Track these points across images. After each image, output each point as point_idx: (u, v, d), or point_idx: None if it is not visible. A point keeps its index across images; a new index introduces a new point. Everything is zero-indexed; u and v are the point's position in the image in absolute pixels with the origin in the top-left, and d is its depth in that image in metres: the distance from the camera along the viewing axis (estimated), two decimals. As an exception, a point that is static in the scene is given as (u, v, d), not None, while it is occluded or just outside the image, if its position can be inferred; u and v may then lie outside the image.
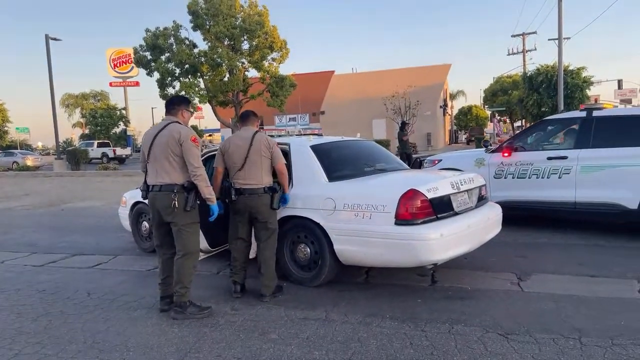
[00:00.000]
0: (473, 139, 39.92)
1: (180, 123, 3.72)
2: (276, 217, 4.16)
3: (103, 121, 40.66)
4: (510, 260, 4.92)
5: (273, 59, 26.54)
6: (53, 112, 25.96)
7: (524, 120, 35.20)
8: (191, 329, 3.44)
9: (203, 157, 4.68)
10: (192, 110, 3.89)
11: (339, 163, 4.71)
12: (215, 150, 4.91)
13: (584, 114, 6.08)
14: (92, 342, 3.27)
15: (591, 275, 4.31)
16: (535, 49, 43.29)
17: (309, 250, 4.27)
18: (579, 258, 4.92)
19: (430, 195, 3.81)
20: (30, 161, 29.66)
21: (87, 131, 44.73)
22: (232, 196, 3.97)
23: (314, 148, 4.59)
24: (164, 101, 3.80)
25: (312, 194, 4.26)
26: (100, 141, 36.21)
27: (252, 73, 27.45)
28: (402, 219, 3.73)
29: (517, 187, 6.25)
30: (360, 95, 38.64)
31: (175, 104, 3.78)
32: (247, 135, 4.06)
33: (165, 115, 3.81)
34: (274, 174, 4.14)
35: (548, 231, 6.15)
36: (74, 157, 25.82)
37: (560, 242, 5.66)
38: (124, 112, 43.27)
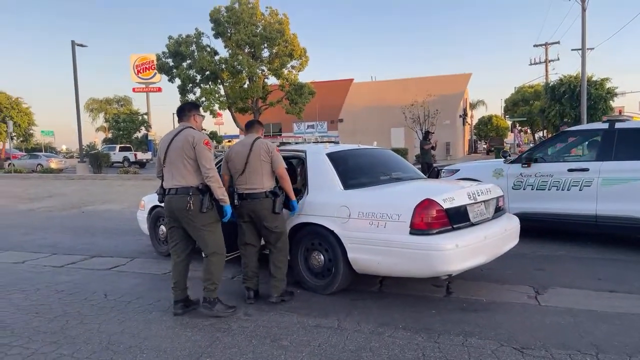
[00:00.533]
0: (492, 149, 39.42)
1: (193, 128, 3.84)
2: (282, 221, 4.17)
3: (125, 126, 41.40)
4: (527, 273, 4.83)
5: (293, 67, 26.76)
6: (77, 116, 26.56)
7: (545, 131, 34.68)
8: (204, 333, 3.47)
9: (217, 165, 4.74)
10: (203, 115, 4.04)
11: (354, 171, 4.71)
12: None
13: (606, 125, 5.97)
14: (107, 344, 3.32)
15: (610, 290, 4.21)
16: (558, 59, 42.68)
17: (322, 257, 4.27)
18: (598, 272, 4.81)
19: (446, 205, 3.78)
20: (54, 164, 30.34)
21: (110, 135, 45.60)
22: (235, 201, 4.05)
23: (330, 155, 4.60)
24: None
25: (327, 201, 4.27)
26: (122, 145, 36.87)
27: (272, 80, 27.70)
28: (417, 229, 3.70)
29: (537, 198, 6.15)
30: (379, 103, 38.60)
31: (186, 111, 3.91)
32: (248, 141, 4.17)
33: (179, 122, 3.95)
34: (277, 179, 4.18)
35: (567, 244, 6.04)
36: (96, 161, 26.36)
37: (579, 255, 5.55)
38: (145, 117, 43.98)
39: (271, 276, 4.10)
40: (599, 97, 25.38)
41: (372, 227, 3.90)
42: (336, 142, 5.65)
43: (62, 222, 9.39)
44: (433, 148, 13.23)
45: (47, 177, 24.79)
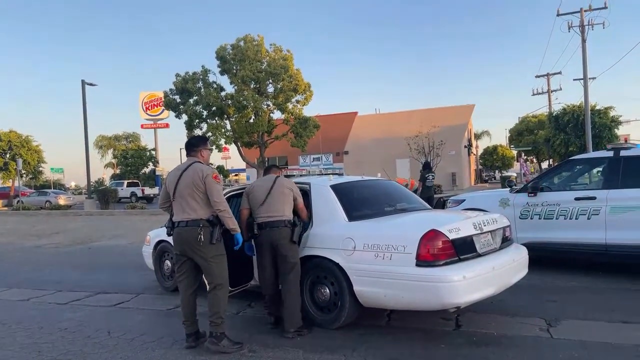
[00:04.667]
0: (488, 179, 39.24)
1: (201, 162, 3.90)
2: (297, 251, 4.20)
3: (133, 161, 41.83)
4: (538, 304, 4.73)
5: (297, 101, 27.16)
6: (86, 153, 26.92)
7: (551, 160, 34.63)
8: (208, 370, 3.39)
9: (226, 196, 4.76)
10: (210, 148, 4.13)
11: (359, 202, 4.70)
12: (237, 189, 5.03)
13: (611, 153, 5.96)
14: (109, 382, 3.25)
15: (624, 322, 4.10)
16: (561, 89, 43.26)
17: (328, 291, 4.21)
18: (610, 303, 4.69)
19: (452, 236, 3.74)
20: (62, 200, 30.57)
21: (118, 171, 46.03)
22: (255, 230, 4.17)
23: (334, 187, 4.61)
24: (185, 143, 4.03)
25: (331, 233, 4.25)
26: (130, 181, 37.17)
27: (277, 115, 28.09)
28: (423, 260, 3.66)
29: (544, 228, 6.08)
30: (383, 135, 38.89)
31: (194, 146, 3.99)
32: (269, 177, 4.39)
33: (187, 156, 4.01)
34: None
35: (578, 274, 5.92)
36: (103, 197, 26.52)
37: (591, 285, 5.43)
38: (153, 152, 44.48)
39: (285, 310, 4.08)
40: (603, 125, 25.45)
41: (377, 259, 3.85)
42: (340, 174, 5.67)
43: (69, 259, 9.37)
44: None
45: (55, 213, 24.93)
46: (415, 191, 12.12)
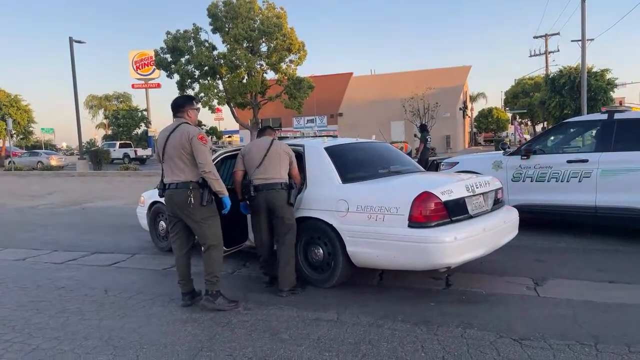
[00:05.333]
0: (482, 142, 39.21)
1: (189, 123, 3.85)
2: (293, 213, 4.23)
3: (125, 122, 41.34)
4: (527, 264, 4.84)
5: (291, 61, 26.71)
6: (77, 113, 26.53)
7: (545, 123, 34.62)
8: (204, 327, 3.48)
9: (219, 158, 4.75)
10: (197, 107, 4.02)
11: (352, 165, 4.71)
12: (230, 151, 5.00)
13: (605, 116, 5.95)
14: (108, 339, 3.33)
15: (610, 281, 4.21)
16: (558, 50, 42.52)
17: (322, 251, 4.27)
18: (598, 263, 4.81)
19: (444, 198, 3.78)
20: (54, 161, 30.38)
21: (109, 132, 45.55)
22: (251, 192, 4.17)
23: (328, 149, 4.60)
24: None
25: (325, 195, 4.27)
26: (122, 142, 36.86)
27: (271, 75, 27.65)
28: (415, 222, 3.71)
29: (536, 190, 6.14)
30: (378, 97, 38.51)
31: (180, 106, 3.91)
32: (266, 139, 4.37)
33: (174, 117, 3.93)
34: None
35: (567, 236, 6.04)
36: (96, 158, 26.38)
37: (579, 246, 5.55)
38: (145, 113, 43.89)
39: (280, 270, 4.14)
40: (599, 88, 25.31)
41: (370, 220, 3.90)
42: (334, 136, 5.64)
43: (63, 219, 9.40)
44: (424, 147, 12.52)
45: (47, 174, 24.81)
46: (409, 154, 12.18)
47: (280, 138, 5.45)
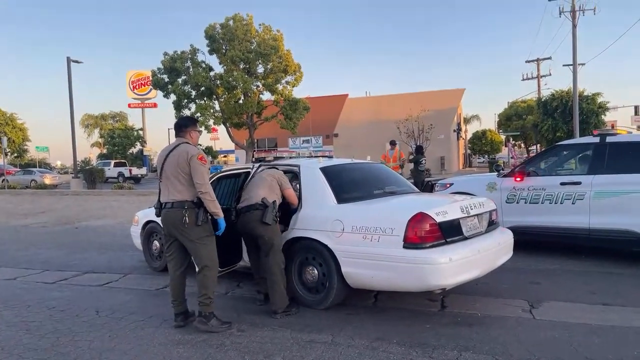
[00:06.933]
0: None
1: (189, 143, 3.88)
2: (273, 231, 4.18)
3: (120, 141, 41.36)
4: (522, 286, 4.83)
5: (287, 82, 26.97)
6: (72, 132, 26.52)
7: (538, 145, 34.96)
8: (196, 349, 3.43)
9: (214, 178, 4.75)
10: (200, 129, 4.10)
11: (348, 185, 4.72)
12: (227, 171, 5.00)
13: (597, 139, 6.03)
14: (98, 361, 3.27)
15: (604, 304, 4.21)
16: (550, 74, 43.36)
17: (317, 272, 4.25)
18: (592, 286, 4.81)
19: (439, 219, 3.79)
20: (48, 179, 30.20)
21: (105, 151, 45.51)
22: (232, 217, 4.31)
23: (324, 170, 4.62)
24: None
25: (320, 215, 4.27)
26: (117, 161, 36.79)
27: (267, 96, 27.87)
28: (410, 243, 3.71)
29: (530, 212, 6.17)
30: (373, 118, 38.86)
31: (183, 127, 3.97)
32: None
33: (175, 137, 3.98)
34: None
35: (561, 258, 6.04)
36: (90, 176, 26.26)
37: (574, 269, 5.55)
38: (140, 132, 43.98)
39: (269, 290, 4.13)
40: (590, 111, 25.71)
41: (365, 241, 3.89)
42: (330, 157, 5.67)
43: (56, 238, 9.31)
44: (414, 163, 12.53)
45: (41, 192, 24.64)
46: (401, 166, 12.21)
47: (276, 158, 5.49)
